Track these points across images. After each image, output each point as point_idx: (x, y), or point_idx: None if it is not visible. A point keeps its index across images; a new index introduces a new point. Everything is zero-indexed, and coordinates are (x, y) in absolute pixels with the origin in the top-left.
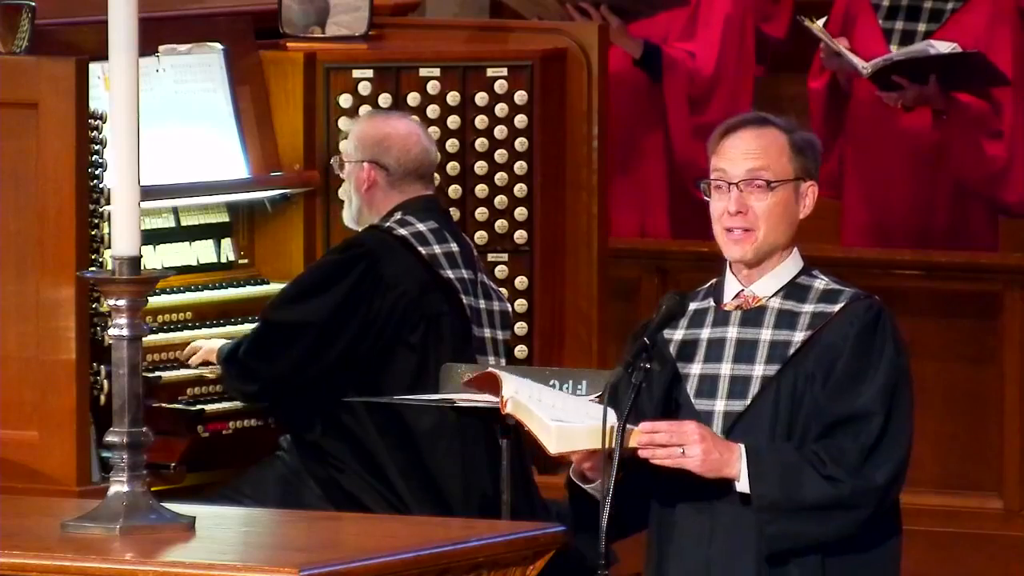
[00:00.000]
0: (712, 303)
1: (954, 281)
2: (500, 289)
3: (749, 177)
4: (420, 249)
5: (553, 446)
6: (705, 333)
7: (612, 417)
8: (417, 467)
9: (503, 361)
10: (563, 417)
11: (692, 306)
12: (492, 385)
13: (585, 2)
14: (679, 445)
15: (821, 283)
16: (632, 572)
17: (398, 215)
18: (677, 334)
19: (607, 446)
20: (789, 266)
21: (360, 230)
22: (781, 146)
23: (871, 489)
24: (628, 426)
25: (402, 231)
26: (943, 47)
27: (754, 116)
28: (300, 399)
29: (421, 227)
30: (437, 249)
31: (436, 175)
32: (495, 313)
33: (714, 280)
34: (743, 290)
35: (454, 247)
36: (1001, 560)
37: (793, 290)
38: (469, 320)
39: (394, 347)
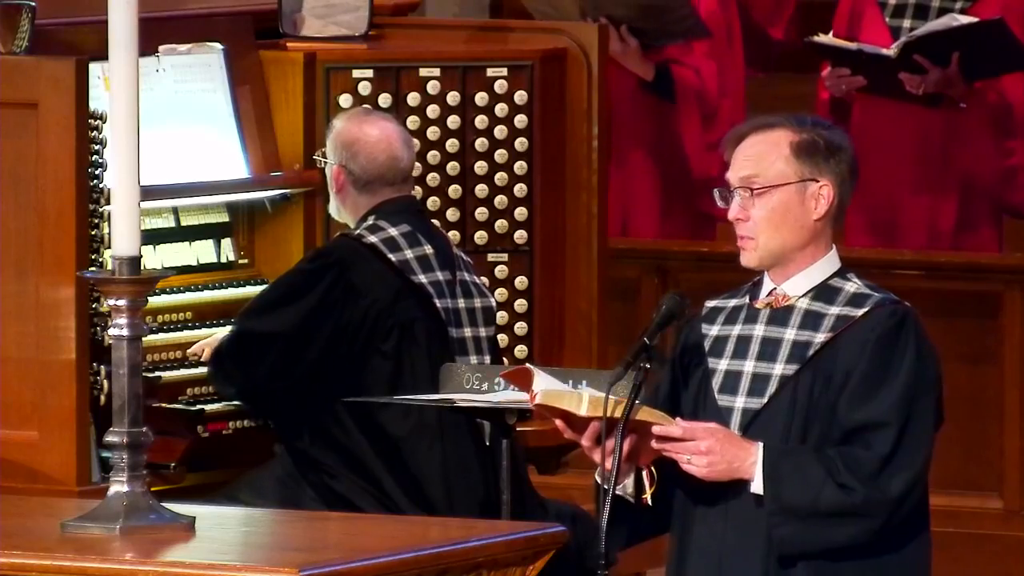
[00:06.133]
0: (747, 300)
1: (954, 281)
2: (483, 281)
3: (741, 185)
4: (391, 256)
5: (584, 409)
6: (736, 329)
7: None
8: (403, 471)
9: (487, 359)
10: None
11: (731, 303)
12: (525, 380)
13: (605, 20)
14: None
15: (852, 286)
16: (632, 572)
17: (371, 220)
18: (713, 329)
19: (619, 416)
20: (823, 267)
21: (340, 221)
22: (780, 150)
23: (885, 500)
24: (659, 411)
25: (372, 238)
26: (966, 20)
27: (761, 121)
28: (287, 407)
29: (393, 232)
30: (409, 254)
31: (436, 175)
32: (476, 311)
33: (757, 278)
34: (775, 288)
35: (428, 249)
36: (1001, 560)
37: (823, 291)
38: (444, 323)
39: (367, 355)
